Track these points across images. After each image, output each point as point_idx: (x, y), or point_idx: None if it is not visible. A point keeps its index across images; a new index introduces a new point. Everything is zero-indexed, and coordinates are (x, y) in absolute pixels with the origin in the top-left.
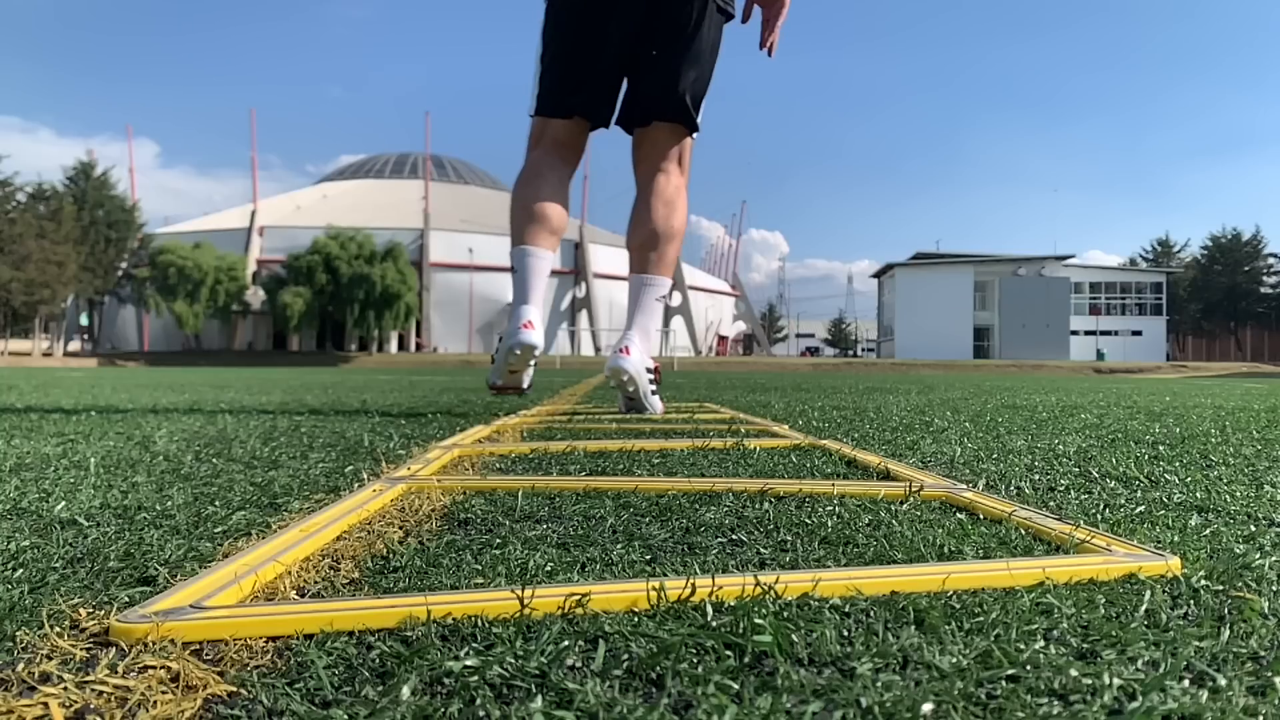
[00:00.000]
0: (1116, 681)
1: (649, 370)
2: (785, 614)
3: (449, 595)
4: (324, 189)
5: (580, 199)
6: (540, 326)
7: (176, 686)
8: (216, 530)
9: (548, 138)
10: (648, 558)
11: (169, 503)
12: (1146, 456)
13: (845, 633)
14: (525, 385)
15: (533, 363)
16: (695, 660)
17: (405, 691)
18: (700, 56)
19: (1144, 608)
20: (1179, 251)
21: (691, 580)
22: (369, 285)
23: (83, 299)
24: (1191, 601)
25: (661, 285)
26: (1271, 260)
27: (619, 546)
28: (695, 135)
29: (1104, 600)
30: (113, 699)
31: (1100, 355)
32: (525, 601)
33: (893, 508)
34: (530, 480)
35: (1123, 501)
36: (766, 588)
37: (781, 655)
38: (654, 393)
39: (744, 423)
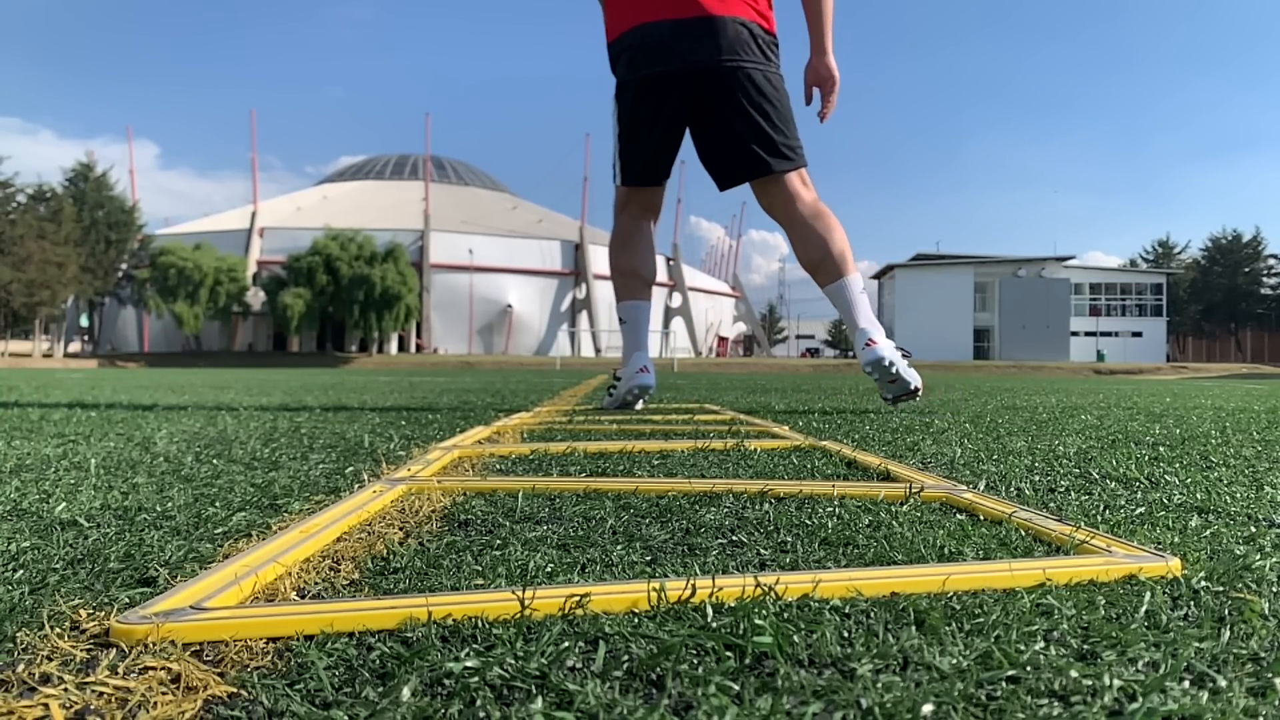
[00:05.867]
0: (1117, 683)
1: (898, 350)
2: (786, 615)
3: (449, 596)
4: (324, 190)
5: (580, 200)
6: (652, 372)
7: (177, 687)
8: (217, 531)
9: (634, 203)
10: (648, 559)
11: (169, 504)
12: (1147, 458)
13: (845, 634)
14: (638, 409)
15: (644, 400)
16: (695, 661)
17: (405, 692)
18: (777, 112)
19: (1144, 609)
20: (1179, 253)
21: (692, 581)
22: (369, 286)
23: (83, 300)
24: (1192, 603)
25: (856, 281)
26: (1272, 261)
27: (619, 547)
28: (805, 165)
29: (1104, 601)
30: (113, 700)
31: (1100, 356)
32: (525, 602)
33: (893, 509)
34: (530, 481)
35: (1123, 503)
36: (767, 589)
37: (782, 656)
38: (910, 367)
39: (744, 424)
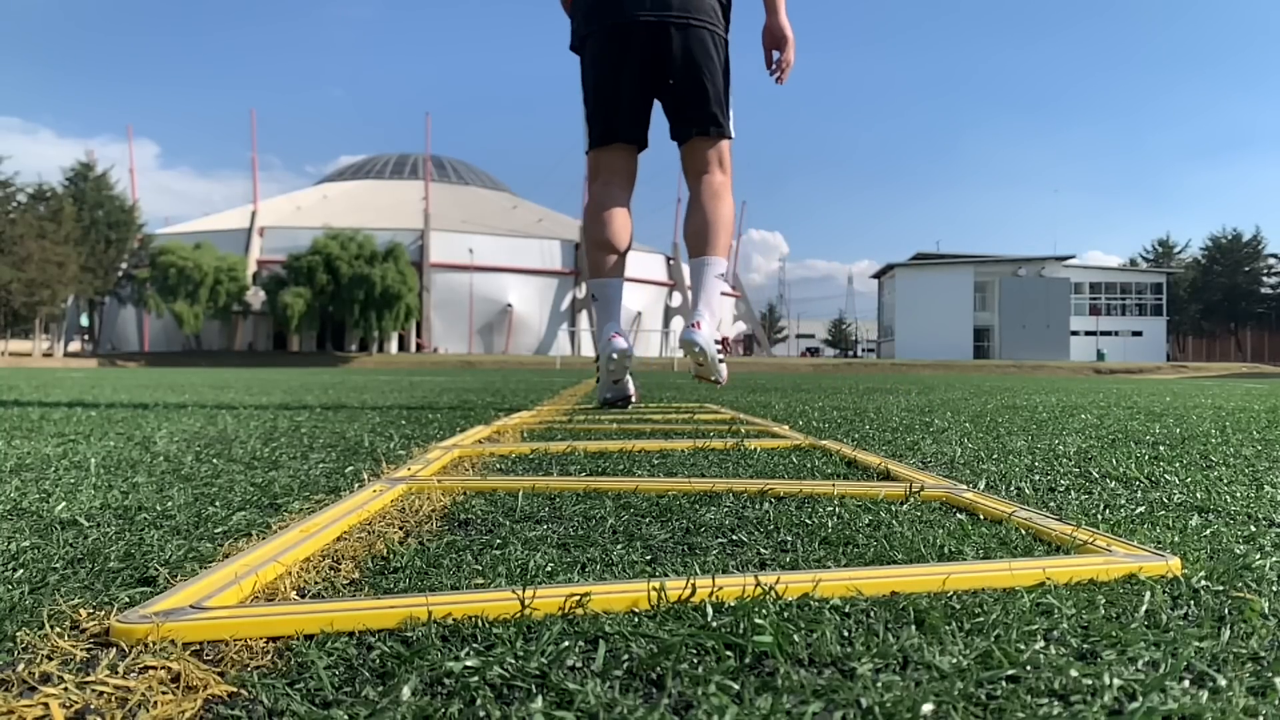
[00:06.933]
0: (1117, 682)
1: (717, 342)
2: (786, 614)
3: (449, 596)
4: (324, 189)
5: (580, 200)
6: (624, 336)
7: (177, 687)
8: (217, 531)
9: (603, 168)
10: (648, 558)
11: (169, 503)
12: (1147, 457)
13: (845, 633)
14: (631, 392)
15: (629, 370)
16: (695, 661)
17: (405, 692)
18: (714, 76)
19: (1144, 608)
20: (1179, 252)
21: (692, 581)
22: (369, 286)
23: (83, 299)
24: (1192, 602)
25: (718, 265)
26: (1272, 261)
27: (619, 547)
28: (731, 139)
29: (1104, 601)
30: (113, 699)
31: (1100, 356)
32: (526, 602)
33: (893, 508)
34: (530, 481)
35: (1123, 502)
36: (767, 588)
37: (782, 656)
38: (721, 361)
39: (744, 423)
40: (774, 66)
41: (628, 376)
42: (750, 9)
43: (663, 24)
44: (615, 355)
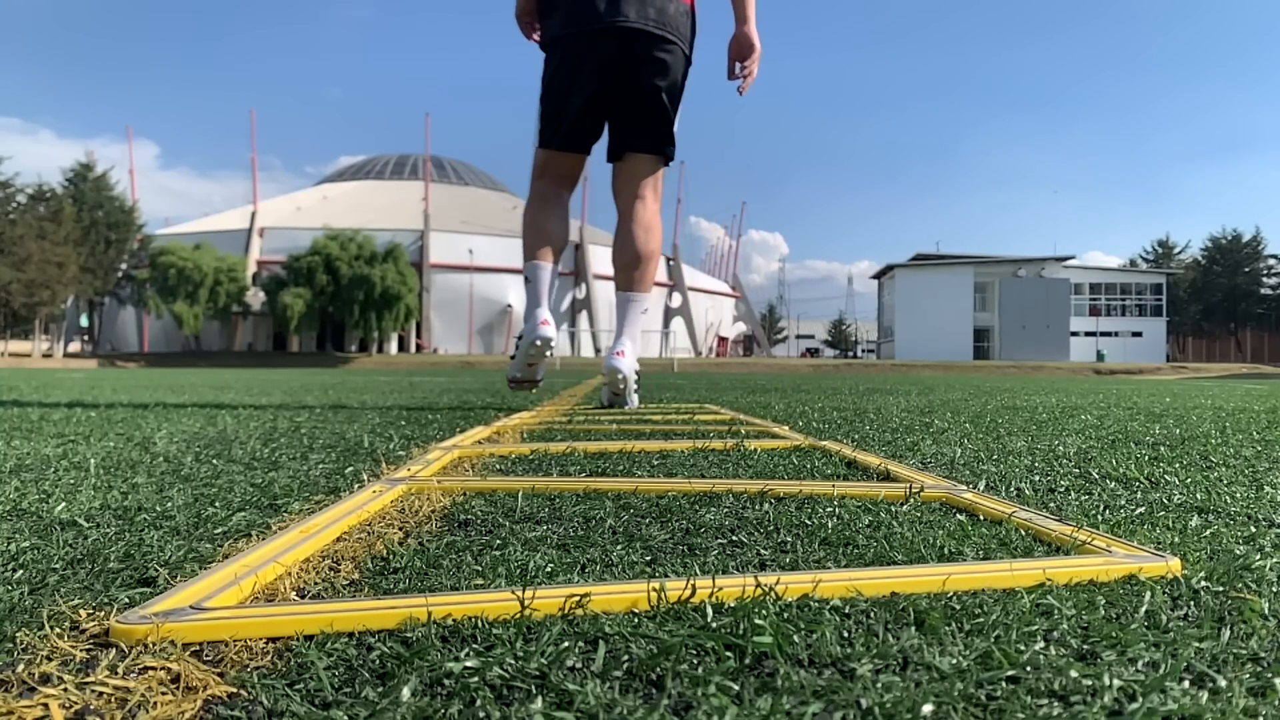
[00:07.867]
0: (1117, 683)
1: (636, 373)
2: (785, 615)
3: (449, 596)
4: (324, 190)
5: (581, 201)
6: (552, 324)
7: (177, 687)
8: (217, 531)
9: (550, 170)
10: (648, 559)
11: (169, 504)
12: (1147, 457)
13: (845, 634)
14: (539, 377)
15: (547, 355)
16: (695, 661)
17: (405, 693)
18: (675, 96)
19: (1144, 609)
20: (1179, 253)
21: (692, 581)
22: (369, 286)
23: (83, 300)
24: (1192, 603)
25: (644, 300)
26: (1272, 261)
27: (619, 547)
28: (666, 166)
29: (1104, 601)
30: (113, 700)
31: (1100, 356)
32: (525, 603)
33: (893, 509)
34: (530, 481)
35: (1123, 503)
36: (767, 589)
37: (782, 656)
38: (635, 391)
39: (744, 424)
40: (737, 75)
41: (543, 361)
42: (716, 18)
43: (639, 34)
44: (539, 342)
